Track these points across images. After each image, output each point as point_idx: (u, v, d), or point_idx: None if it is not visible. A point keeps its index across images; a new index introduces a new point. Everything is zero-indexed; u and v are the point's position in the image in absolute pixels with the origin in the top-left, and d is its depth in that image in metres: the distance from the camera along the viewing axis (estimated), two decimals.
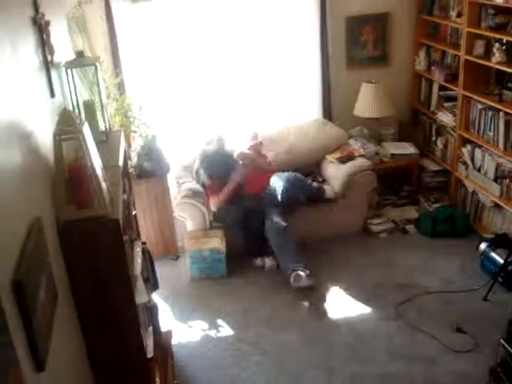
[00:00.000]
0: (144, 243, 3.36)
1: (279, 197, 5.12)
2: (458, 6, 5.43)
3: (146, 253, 3.32)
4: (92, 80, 3.15)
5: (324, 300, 4.71)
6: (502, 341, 3.66)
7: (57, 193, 2.22)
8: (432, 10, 5.90)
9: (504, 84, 5.01)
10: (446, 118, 5.75)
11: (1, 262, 1.47)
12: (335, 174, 5.52)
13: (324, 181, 5.61)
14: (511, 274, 4.52)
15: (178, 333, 4.33)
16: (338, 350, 4.17)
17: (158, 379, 2.94)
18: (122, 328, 2.47)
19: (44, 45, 2.44)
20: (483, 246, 4.89)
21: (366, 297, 4.71)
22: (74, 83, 3.00)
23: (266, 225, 5.03)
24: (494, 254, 4.75)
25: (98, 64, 3.11)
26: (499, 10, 4.81)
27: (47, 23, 2.47)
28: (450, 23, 5.59)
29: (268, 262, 5.14)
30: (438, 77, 5.82)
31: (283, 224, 5.00)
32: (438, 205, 5.80)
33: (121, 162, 2.97)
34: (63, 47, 3.14)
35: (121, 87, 5.32)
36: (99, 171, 2.30)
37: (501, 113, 4.96)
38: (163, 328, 3.64)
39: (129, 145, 5.12)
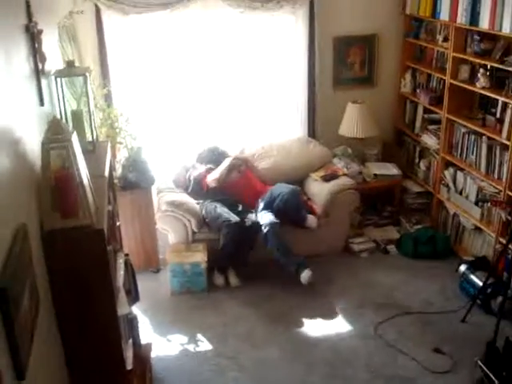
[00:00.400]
0: (127, 255, 3.36)
1: (277, 202, 5.17)
2: (444, 30, 5.52)
3: (128, 264, 3.32)
4: (81, 90, 3.16)
5: (304, 317, 4.72)
6: (479, 362, 3.71)
7: (42, 200, 2.22)
8: (419, 34, 5.98)
9: (487, 109, 5.08)
10: (429, 140, 5.82)
11: None
12: (319, 191, 5.54)
13: (309, 199, 5.61)
14: (489, 297, 4.56)
15: (156, 346, 4.31)
16: (317, 367, 4.17)
17: None
18: (102, 339, 2.46)
19: (36, 53, 2.45)
20: (463, 268, 4.93)
21: (347, 315, 4.72)
22: (62, 92, 3.01)
23: (263, 231, 5.05)
24: (473, 277, 4.79)
25: (87, 74, 3.12)
26: (485, 36, 4.90)
27: (40, 32, 2.48)
28: (437, 47, 5.68)
29: (233, 280, 5.15)
30: (422, 99, 5.89)
31: (276, 221, 5.06)
32: (419, 226, 5.84)
33: (107, 173, 2.97)
34: (53, 56, 3.15)
35: (108, 98, 5.33)
36: (86, 181, 2.30)
37: (483, 137, 5.03)
38: (143, 340, 3.63)
39: (114, 156, 5.11)
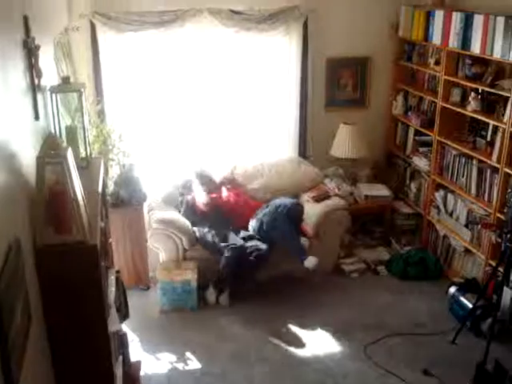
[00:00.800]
0: (118, 272, 3.35)
1: (280, 209, 5.26)
2: (436, 54, 5.58)
3: (119, 281, 3.31)
4: (76, 106, 3.17)
5: (294, 337, 4.71)
6: None
7: (36, 215, 2.21)
8: (411, 57, 6.05)
9: (478, 132, 5.13)
10: (420, 162, 5.85)
11: None
12: (310, 212, 5.54)
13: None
14: (479, 319, 4.57)
15: (145, 364, 4.27)
16: None
17: None
18: (93, 355, 2.44)
19: (32, 68, 2.46)
20: (453, 289, 4.95)
21: (337, 336, 4.71)
22: (57, 108, 3.01)
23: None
24: (462, 299, 4.80)
25: (82, 90, 3.13)
26: (476, 60, 4.96)
27: (37, 47, 2.49)
28: (428, 70, 5.74)
29: (224, 299, 5.14)
30: (414, 122, 5.93)
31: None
32: (409, 247, 5.86)
33: (100, 189, 2.97)
34: (49, 72, 3.16)
35: (101, 115, 5.33)
36: (80, 197, 2.30)
37: (474, 160, 5.07)
38: (132, 358, 3.60)
39: (106, 172, 5.10)
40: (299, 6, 5.70)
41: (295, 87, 6.01)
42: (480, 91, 5.00)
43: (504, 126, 4.58)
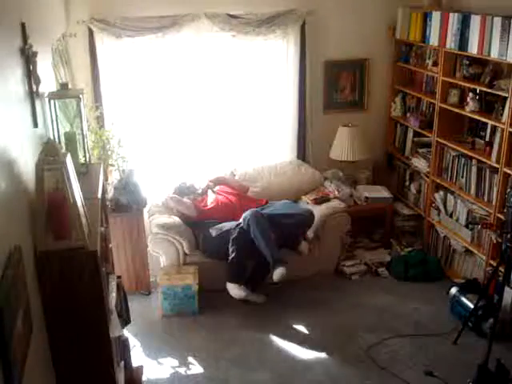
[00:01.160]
0: (119, 277, 3.35)
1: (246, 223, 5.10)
2: (433, 55, 5.59)
3: (120, 287, 3.30)
4: (74, 112, 3.18)
5: (296, 340, 4.70)
6: None
7: (36, 222, 2.21)
8: (409, 58, 6.05)
9: (477, 132, 5.15)
10: (419, 163, 5.86)
11: None
12: None
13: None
14: (481, 319, 4.57)
15: (147, 369, 4.27)
16: None
17: None
18: (94, 361, 2.44)
19: (30, 75, 2.46)
20: (454, 290, 4.94)
21: (339, 338, 4.70)
22: (56, 114, 3.02)
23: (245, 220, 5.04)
24: (464, 299, 4.80)
25: (81, 96, 3.14)
26: (474, 60, 4.97)
27: (35, 54, 2.49)
28: (426, 72, 5.75)
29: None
30: (413, 123, 5.94)
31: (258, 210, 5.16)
32: (410, 249, 5.86)
33: (100, 195, 2.97)
34: (47, 78, 3.16)
35: (100, 120, 5.34)
36: (79, 203, 2.30)
37: (473, 160, 5.08)
38: (134, 363, 3.60)
39: (106, 178, 5.11)
40: (296, 9, 5.72)
41: (293, 90, 6.02)
42: (478, 92, 5.01)
43: (503, 126, 4.59)
